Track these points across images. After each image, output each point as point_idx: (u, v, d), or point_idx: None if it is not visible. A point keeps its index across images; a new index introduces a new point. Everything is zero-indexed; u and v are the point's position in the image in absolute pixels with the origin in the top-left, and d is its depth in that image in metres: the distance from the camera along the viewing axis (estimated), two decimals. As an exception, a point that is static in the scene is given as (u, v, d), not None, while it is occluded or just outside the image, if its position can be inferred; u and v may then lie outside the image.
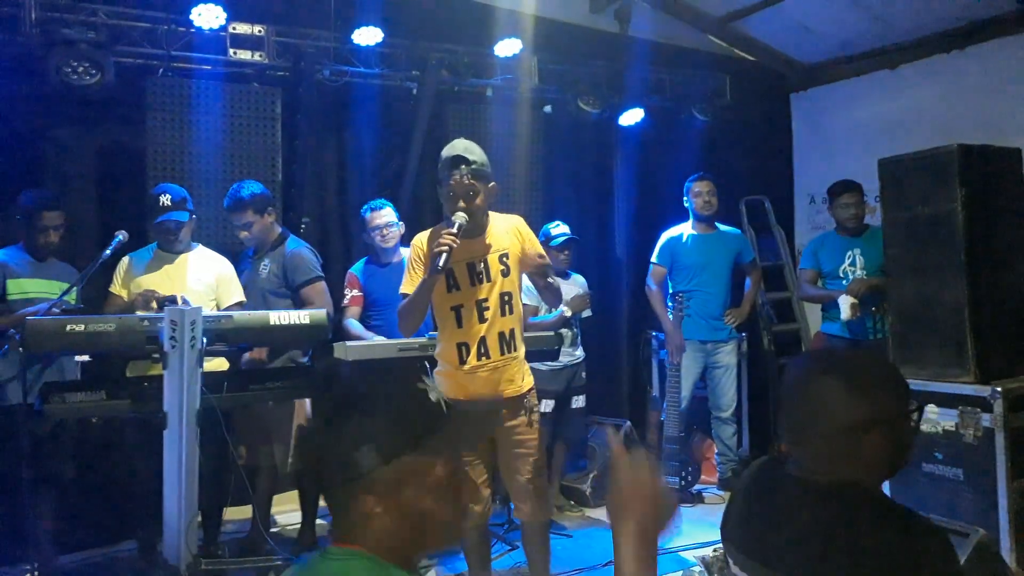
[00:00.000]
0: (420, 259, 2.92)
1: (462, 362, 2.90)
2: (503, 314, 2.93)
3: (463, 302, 2.89)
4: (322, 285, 3.86)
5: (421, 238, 2.99)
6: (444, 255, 2.70)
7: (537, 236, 3.18)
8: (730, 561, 1.55)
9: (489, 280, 2.90)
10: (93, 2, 3.87)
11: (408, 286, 2.92)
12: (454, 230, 2.74)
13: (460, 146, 2.88)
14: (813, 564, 1.34)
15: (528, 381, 3.03)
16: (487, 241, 2.94)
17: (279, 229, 3.93)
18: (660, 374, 5.32)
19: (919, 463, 3.39)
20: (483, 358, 2.90)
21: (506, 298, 2.93)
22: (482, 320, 2.89)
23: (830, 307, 4.64)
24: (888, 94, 5.67)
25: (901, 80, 5.62)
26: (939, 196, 3.34)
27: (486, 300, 2.89)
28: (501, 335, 2.92)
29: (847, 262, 4.58)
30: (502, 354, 2.92)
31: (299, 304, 3.76)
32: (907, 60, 5.54)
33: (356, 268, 4.16)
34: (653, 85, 5.50)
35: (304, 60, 4.30)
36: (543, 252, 3.09)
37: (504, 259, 2.94)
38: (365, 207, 4.09)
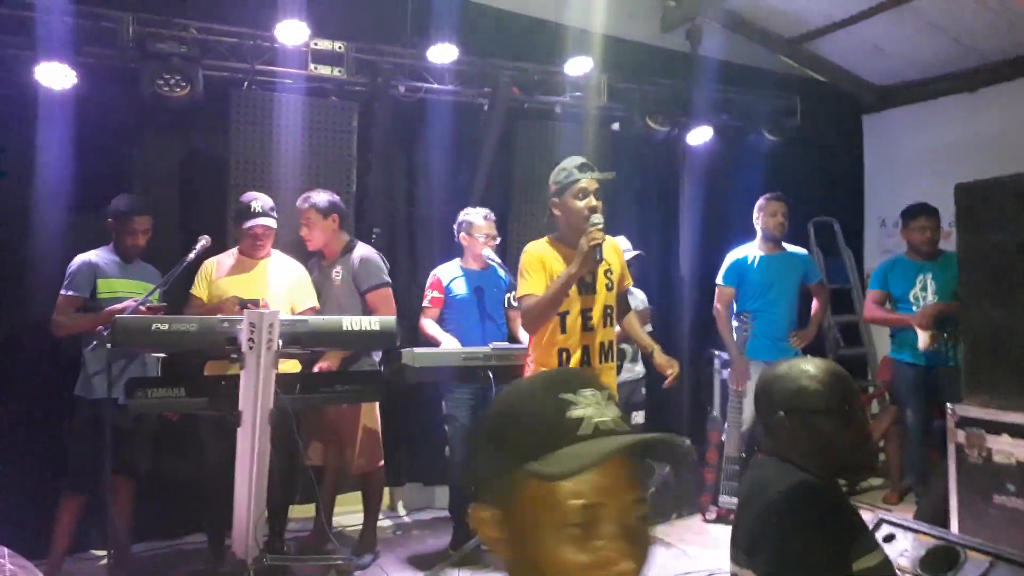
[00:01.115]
0: (540, 265, 3.00)
1: (561, 367, 2.94)
2: (605, 325, 3.04)
3: (569, 309, 2.98)
4: (388, 291, 3.97)
5: (536, 246, 3.09)
6: (599, 248, 2.81)
7: None
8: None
9: (595, 292, 3.01)
10: (185, 18, 4.07)
11: (532, 287, 2.98)
12: (598, 225, 2.85)
13: (580, 157, 3.05)
14: (742, 526, 1.72)
15: (616, 393, 3.08)
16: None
17: (346, 237, 4.04)
18: (722, 394, 5.27)
19: (990, 495, 3.30)
20: (584, 365, 2.98)
21: (608, 311, 3.05)
22: (587, 329, 2.99)
23: (898, 332, 4.56)
24: (965, 117, 5.56)
25: (980, 103, 5.50)
26: (1018, 223, 3.26)
27: (591, 310, 3.00)
28: (602, 345, 3.03)
29: (918, 287, 4.49)
30: (601, 362, 3.02)
31: (364, 309, 3.87)
32: (987, 83, 5.43)
33: (443, 271, 4.23)
34: (722, 104, 5.50)
35: (381, 76, 4.43)
36: (630, 279, 3.23)
37: (608, 274, 3.07)
38: (474, 211, 4.18)
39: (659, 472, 4.80)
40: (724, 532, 4.51)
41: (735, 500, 4.58)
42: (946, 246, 4.41)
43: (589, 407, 0.93)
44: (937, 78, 5.72)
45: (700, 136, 5.31)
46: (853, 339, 6.06)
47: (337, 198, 3.99)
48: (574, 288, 2.96)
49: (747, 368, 4.54)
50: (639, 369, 4.55)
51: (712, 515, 4.70)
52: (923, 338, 4.24)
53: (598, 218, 2.89)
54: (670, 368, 3.14)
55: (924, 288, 4.48)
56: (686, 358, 5.66)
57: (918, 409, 4.44)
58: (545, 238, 3.11)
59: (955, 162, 5.12)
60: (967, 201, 3.52)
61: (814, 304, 4.87)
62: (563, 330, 2.99)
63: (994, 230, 3.36)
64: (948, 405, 3.67)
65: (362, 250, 3.99)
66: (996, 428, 3.40)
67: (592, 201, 2.95)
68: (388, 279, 3.99)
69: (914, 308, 4.43)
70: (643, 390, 4.50)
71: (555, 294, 2.91)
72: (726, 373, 5.29)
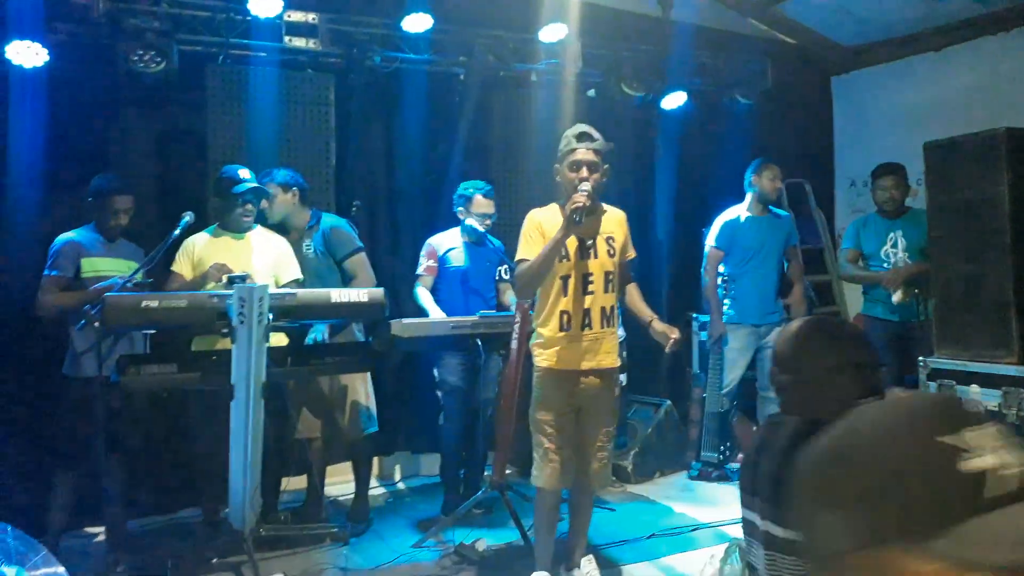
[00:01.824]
0: (538, 231, 3.08)
1: (563, 329, 3.06)
2: (606, 291, 3.11)
3: (571, 273, 3.07)
4: (363, 256, 4.02)
5: (537, 214, 3.16)
6: (581, 210, 2.85)
7: None
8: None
9: (596, 257, 3.10)
10: (157, -8, 4.02)
11: (528, 252, 3.06)
12: (585, 191, 2.92)
13: (584, 127, 3.12)
14: (771, 482, 1.66)
15: (617, 358, 3.20)
16: (600, 221, 3.12)
17: (308, 212, 4.05)
18: (700, 354, 5.40)
19: (961, 442, 3.45)
20: (586, 328, 3.07)
21: (610, 276, 3.13)
22: (587, 292, 3.07)
23: (871, 289, 4.69)
24: (933, 77, 5.66)
25: (947, 63, 5.60)
26: (985, 180, 3.38)
27: (591, 275, 3.08)
28: (603, 309, 3.10)
29: (889, 244, 4.61)
30: (603, 327, 3.10)
31: (343, 276, 3.91)
32: (953, 42, 5.52)
33: (439, 240, 4.27)
34: (695, 69, 5.54)
35: (356, 47, 4.42)
36: (633, 252, 3.31)
37: (611, 241, 3.15)
38: (474, 187, 4.20)
39: (641, 431, 4.93)
40: (708, 488, 4.66)
41: (715, 455, 4.75)
42: (917, 204, 4.53)
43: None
44: (905, 38, 5.80)
45: (675, 101, 5.36)
46: (826, 298, 6.20)
47: (299, 176, 4.00)
48: (575, 253, 3.06)
49: (724, 329, 4.71)
50: (621, 332, 4.62)
51: (696, 473, 4.85)
52: (897, 294, 4.38)
53: (585, 185, 2.96)
54: (672, 334, 3.17)
55: (895, 245, 4.60)
56: (664, 320, 5.75)
57: (891, 364, 4.58)
58: (550, 205, 3.19)
59: (924, 121, 5.23)
60: (935, 159, 3.64)
61: (793, 266, 4.98)
62: (564, 293, 3.07)
63: (962, 187, 3.48)
64: (920, 359, 3.82)
65: (328, 220, 4.03)
66: (966, 379, 3.54)
67: (584, 172, 3.01)
68: (361, 244, 4.04)
69: (885, 265, 4.56)
70: (624, 353, 4.58)
71: (543, 259, 2.98)
72: (704, 335, 5.42)
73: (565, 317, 3.07)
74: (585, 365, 3.08)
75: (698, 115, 5.60)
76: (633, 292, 3.38)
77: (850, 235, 4.83)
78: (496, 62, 4.83)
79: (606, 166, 3.11)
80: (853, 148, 6.31)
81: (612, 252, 3.15)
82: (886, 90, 6.00)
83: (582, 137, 3.08)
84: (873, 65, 6.14)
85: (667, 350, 3.17)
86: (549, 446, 3.07)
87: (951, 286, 3.53)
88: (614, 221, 3.22)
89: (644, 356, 5.53)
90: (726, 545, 3.31)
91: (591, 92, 5.37)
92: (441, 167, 4.87)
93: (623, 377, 4.62)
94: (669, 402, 5.10)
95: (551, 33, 4.81)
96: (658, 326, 3.22)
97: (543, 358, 3.12)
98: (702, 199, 5.34)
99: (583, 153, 3.05)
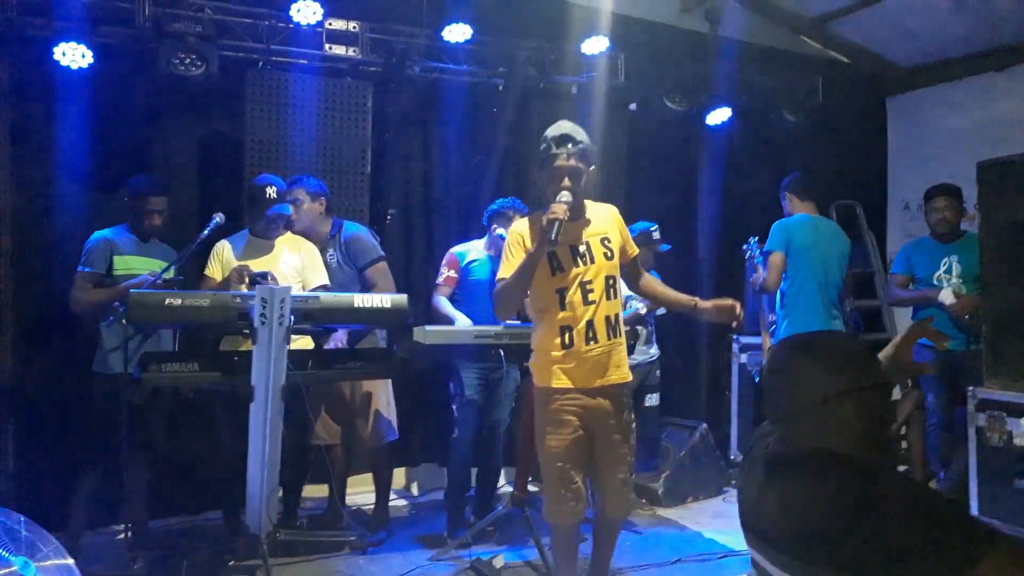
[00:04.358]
0: (520, 244, 2.82)
1: (566, 346, 2.77)
2: (608, 297, 2.81)
3: (567, 284, 2.78)
4: (384, 265, 3.98)
5: (520, 225, 2.90)
6: (556, 225, 2.60)
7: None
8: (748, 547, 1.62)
9: (593, 262, 2.80)
10: (201, -2, 4.09)
11: (507, 271, 2.80)
12: (564, 203, 2.68)
13: (566, 126, 2.82)
14: (785, 525, 1.45)
15: (628, 371, 2.93)
16: (588, 224, 2.86)
17: (330, 222, 4.03)
18: (740, 379, 5.23)
19: (1010, 478, 3.25)
20: (591, 342, 2.77)
21: (611, 281, 2.83)
22: (587, 302, 2.77)
23: (921, 314, 4.47)
24: (992, 98, 5.45)
25: (1007, 83, 5.38)
26: (1041, 200, 3.20)
27: (591, 282, 2.78)
28: (607, 319, 2.80)
29: (942, 269, 4.40)
30: (609, 338, 2.80)
31: (364, 285, 3.88)
32: (1013, 63, 5.31)
33: (462, 251, 4.19)
34: (742, 85, 5.42)
35: (396, 56, 4.42)
36: (634, 246, 3.03)
37: (606, 242, 2.85)
38: (514, 208, 4.04)
39: (675, 455, 4.78)
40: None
41: None
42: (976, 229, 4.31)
43: None
44: (963, 58, 5.59)
45: (719, 116, 5.25)
46: (875, 324, 5.97)
47: (325, 185, 4.00)
48: (569, 261, 2.78)
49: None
50: (653, 351, 4.52)
51: None
52: (947, 295, 4.18)
53: (565, 195, 2.71)
54: (726, 303, 2.83)
55: (949, 270, 4.39)
56: (704, 342, 5.63)
57: (939, 393, 4.36)
58: (532, 215, 2.94)
59: (982, 143, 5.02)
60: (989, 179, 3.46)
61: None
62: (563, 307, 2.77)
63: (1017, 208, 3.30)
64: (969, 388, 3.61)
65: (350, 229, 4.01)
66: (1018, 410, 3.34)
67: (566, 182, 2.73)
68: (382, 252, 4.01)
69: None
70: (657, 372, 4.47)
71: (516, 278, 2.73)
72: (744, 357, 5.25)
73: (567, 333, 2.77)
74: (594, 383, 2.78)
75: (744, 133, 5.48)
76: (654, 284, 3.11)
77: (901, 260, 4.63)
78: (536, 74, 4.78)
79: (592, 167, 2.82)
80: (908, 170, 6.10)
81: (610, 254, 2.84)
82: (943, 111, 5.79)
83: (561, 141, 2.76)
84: (930, 85, 5.94)
85: (735, 324, 2.84)
86: (560, 478, 2.78)
87: (1002, 312, 3.34)
88: (607, 219, 2.90)
89: (682, 378, 5.42)
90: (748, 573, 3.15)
91: (632, 106, 5.30)
92: (478, 178, 4.84)
93: (655, 397, 4.50)
94: (705, 425, 4.94)
95: (593, 46, 4.75)
96: (705, 304, 2.89)
97: (547, 379, 2.81)
98: (746, 217, 5.20)
99: (563, 161, 2.75)
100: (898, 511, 1.30)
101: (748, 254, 4.54)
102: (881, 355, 1.77)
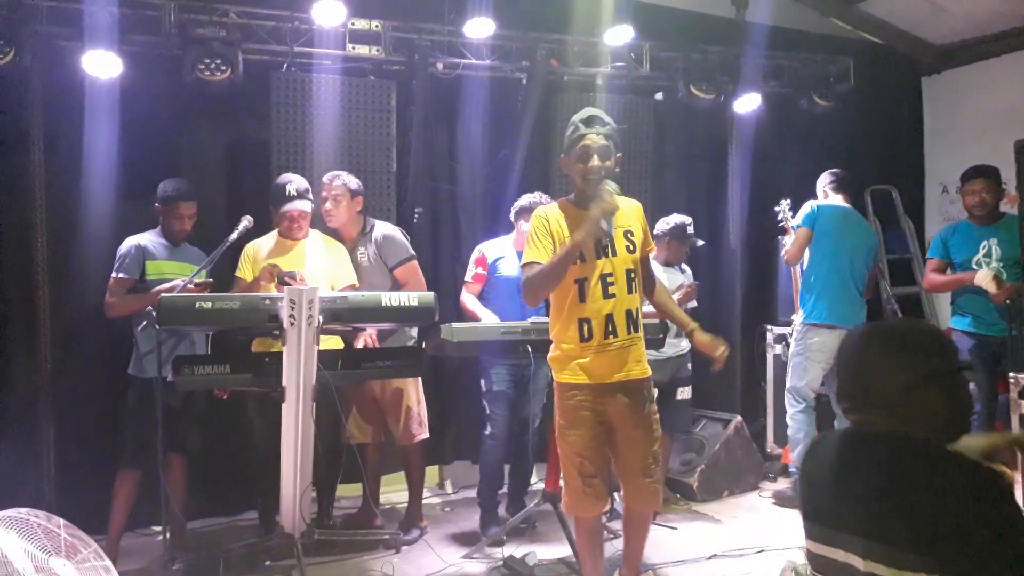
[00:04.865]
0: (545, 230, 2.79)
1: (584, 339, 2.75)
2: (629, 291, 2.78)
3: (587, 275, 2.75)
4: (415, 264, 3.99)
5: (545, 211, 2.88)
6: (610, 219, 2.65)
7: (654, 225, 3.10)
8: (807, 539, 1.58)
9: (615, 255, 2.77)
10: (224, 3, 4.11)
11: (536, 255, 2.76)
12: (613, 190, 2.69)
13: (593, 110, 2.82)
14: (877, 516, 1.41)
15: (647, 366, 2.90)
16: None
17: (363, 220, 4.03)
18: (775, 368, 5.15)
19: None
20: (611, 336, 2.74)
21: (632, 275, 2.79)
22: (608, 296, 2.75)
23: (958, 299, 4.36)
24: (1031, 74, 5.28)
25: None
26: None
27: (611, 275, 2.75)
28: (628, 313, 2.77)
29: (981, 253, 4.28)
30: (629, 333, 2.77)
31: (395, 284, 3.88)
32: (1053, 37, 5.15)
33: (490, 248, 4.16)
34: (770, 70, 5.33)
35: (418, 53, 4.41)
36: (652, 244, 3.02)
37: (629, 235, 2.82)
38: (537, 199, 4.00)
39: (709, 449, 4.72)
40: (780, 510, 4.40)
41: None
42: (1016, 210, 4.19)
43: None
44: (999, 35, 5.44)
45: (748, 104, 5.15)
46: (915, 311, 5.84)
47: (361, 185, 4.00)
48: (591, 252, 2.75)
49: None
50: (684, 344, 4.44)
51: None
52: (984, 279, 4.10)
53: (612, 185, 2.71)
54: (717, 349, 2.88)
55: (988, 254, 4.28)
56: (737, 332, 5.54)
57: (981, 382, 4.24)
58: (558, 200, 2.93)
59: (1022, 122, 4.87)
60: (1029, 158, 3.35)
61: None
62: (582, 299, 2.75)
63: (1058, 187, 3.19)
64: (1011, 375, 3.51)
65: (382, 228, 4.01)
66: (1062, 397, 3.24)
67: (595, 161, 2.73)
68: (413, 252, 4.01)
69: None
70: (689, 365, 4.41)
71: (558, 264, 2.69)
72: (779, 347, 5.17)
73: (585, 326, 2.75)
74: (613, 378, 2.76)
75: (774, 119, 5.38)
76: (663, 295, 3.10)
77: (937, 245, 4.51)
78: (559, 66, 4.74)
79: (619, 154, 2.80)
80: (945, 152, 5.96)
81: (632, 248, 2.80)
82: (980, 89, 5.65)
83: (591, 121, 2.76)
84: (966, 64, 5.78)
85: (716, 368, 2.91)
86: (579, 472, 2.78)
87: (1045, 295, 3.23)
88: (631, 213, 2.87)
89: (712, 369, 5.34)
90: (783, 566, 3.11)
91: (659, 95, 5.23)
92: (503, 173, 4.81)
93: (687, 390, 4.44)
94: (739, 418, 4.87)
95: (616, 36, 4.70)
96: (701, 336, 2.93)
97: (564, 373, 2.80)
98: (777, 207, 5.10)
99: (593, 139, 2.73)
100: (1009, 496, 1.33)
101: (780, 215, 4.72)
102: (969, 444, 1.65)
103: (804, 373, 4.43)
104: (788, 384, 4.54)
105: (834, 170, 4.65)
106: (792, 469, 4.61)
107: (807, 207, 4.50)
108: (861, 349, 1.54)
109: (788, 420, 4.52)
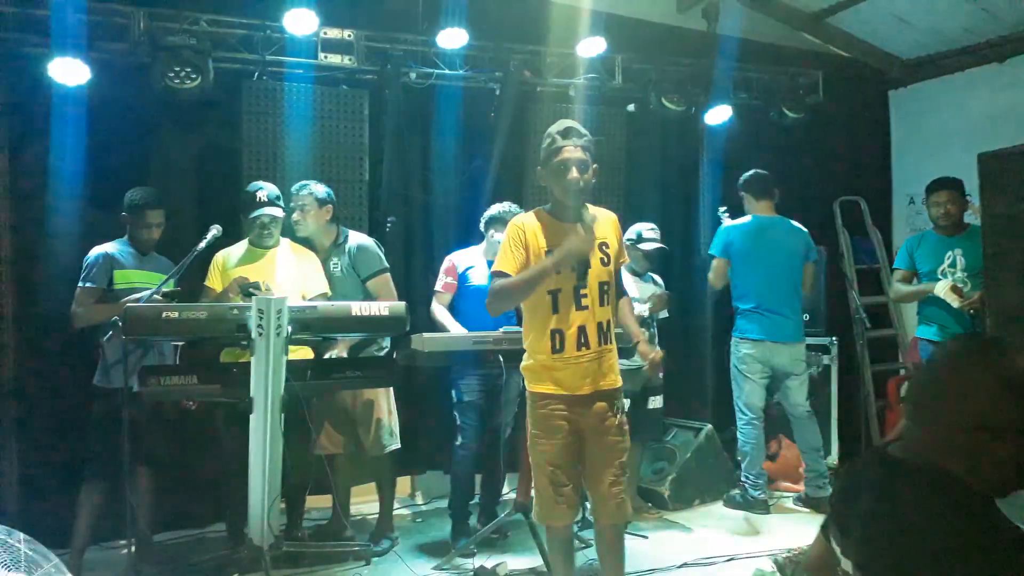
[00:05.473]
0: (519, 240, 2.79)
1: (556, 351, 2.75)
2: (602, 304, 2.80)
3: (561, 287, 2.75)
4: (388, 276, 3.97)
5: (521, 220, 2.87)
6: (584, 265, 2.71)
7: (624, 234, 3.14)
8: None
9: (588, 267, 2.76)
10: (195, 11, 4.09)
11: (507, 265, 2.77)
12: (589, 222, 2.74)
13: (569, 122, 2.83)
14: (877, 539, 1.35)
15: (619, 376, 2.92)
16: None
17: (335, 229, 4.01)
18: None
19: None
20: (583, 348, 2.75)
21: (605, 287, 2.80)
22: (580, 308, 2.75)
23: (924, 309, 4.43)
24: (995, 88, 5.41)
25: (1010, 73, 5.32)
26: (1043, 191, 3.16)
27: (585, 287, 2.76)
28: (600, 325, 2.78)
29: (947, 263, 4.35)
30: (601, 344, 2.79)
31: (367, 295, 3.87)
32: (1017, 52, 5.25)
33: (460, 257, 4.16)
34: (741, 83, 5.40)
35: (391, 63, 4.42)
36: (625, 256, 3.04)
37: (604, 248, 2.82)
38: (508, 209, 4.02)
39: (680, 458, 4.74)
40: (751, 518, 4.42)
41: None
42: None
43: None
44: (964, 49, 5.55)
45: (719, 115, 5.21)
46: (882, 321, 5.91)
47: (332, 193, 3.98)
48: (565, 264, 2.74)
49: None
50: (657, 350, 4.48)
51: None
52: (943, 289, 4.20)
53: (589, 217, 2.75)
54: (651, 354, 3.21)
55: (953, 264, 4.34)
56: (709, 342, 5.58)
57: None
58: (535, 210, 2.92)
59: (986, 135, 4.98)
60: (990, 170, 3.43)
61: None
62: (555, 310, 2.75)
63: (1018, 200, 3.26)
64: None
65: (356, 239, 3.99)
66: None
67: (574, 173, 2.72)
68: (386, 264, 4.00)
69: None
70: (660, 374, 4.42)
71: (529, 280, 2.71)
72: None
73: (557, 337, 2.75)
74: (584, 389, 2.76)
75: (744, 130, 5.43)
76: (624, 307, 3.12)
77: (903, 255, 4.58)
78: (532, 77, 4.77)
79: (595, 165, 2.80)
80: (912, 164, 6.05)
81: (606, 260, 2.81)
82: (947, 103, 5.75)
83: (568, 133, 2.76)
84: (933, 77, 5.89)
85: (645, 371, 3.12)
86: (551, 481, 2.77)
87: (1005, 303, 3.30)
88: (607, 225, 2.88)
89: (686, 380, 5.37)
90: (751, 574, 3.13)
91: (631, 107, 5.27)
92: (476, 183, 4.82)
93: (659, 399, 4.47)
94: (710, 426, 4.91)
95: (589, 47, 4.74)
96: (643, 347, 3.19)
97: (536, 384, 2.81)
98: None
99: (571, 151, 2.73)
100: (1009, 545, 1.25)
101: (723, 222, 4.80)
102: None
103: (740, 388, 4.62)
104: (733, 398, 4.66)
105: (754, 175, 4.70)
106: (744, 478, 4.62)
107: (720, 232, 4.66)
108: (967, 366, 1.36)
109: (737, 433, 4.65)
